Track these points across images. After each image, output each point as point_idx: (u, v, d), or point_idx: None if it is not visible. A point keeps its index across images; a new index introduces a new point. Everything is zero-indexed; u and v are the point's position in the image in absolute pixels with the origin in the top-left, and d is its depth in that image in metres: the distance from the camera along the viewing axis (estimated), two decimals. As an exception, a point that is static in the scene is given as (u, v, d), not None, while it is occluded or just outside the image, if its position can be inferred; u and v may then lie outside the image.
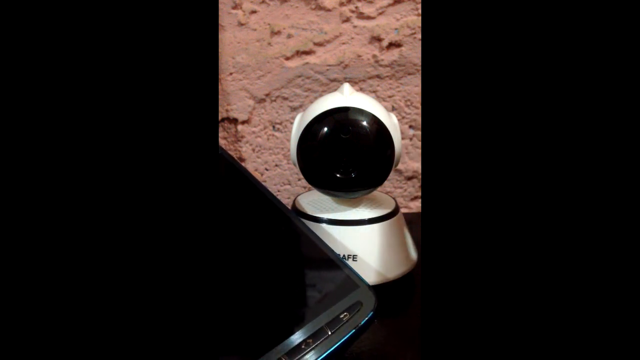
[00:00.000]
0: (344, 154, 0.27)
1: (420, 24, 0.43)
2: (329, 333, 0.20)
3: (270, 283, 0.22)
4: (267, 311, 0.21)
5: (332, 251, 0.24)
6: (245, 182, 0.27)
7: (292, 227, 0.26)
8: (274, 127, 0.47)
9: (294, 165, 0.30)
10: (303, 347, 0.19)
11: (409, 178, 0.48)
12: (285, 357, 0.19)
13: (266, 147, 0.47)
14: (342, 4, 0.43)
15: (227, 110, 0.46)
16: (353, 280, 0.22)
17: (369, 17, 0.43)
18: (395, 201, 0.32)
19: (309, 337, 0.20)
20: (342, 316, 0.20)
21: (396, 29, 0.44)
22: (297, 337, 0.20)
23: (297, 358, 0.19)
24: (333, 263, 0.23)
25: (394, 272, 0.29)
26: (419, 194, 0.48)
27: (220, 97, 0.45)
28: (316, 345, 0.19)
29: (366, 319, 0.21)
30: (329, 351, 0.19)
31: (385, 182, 0.30)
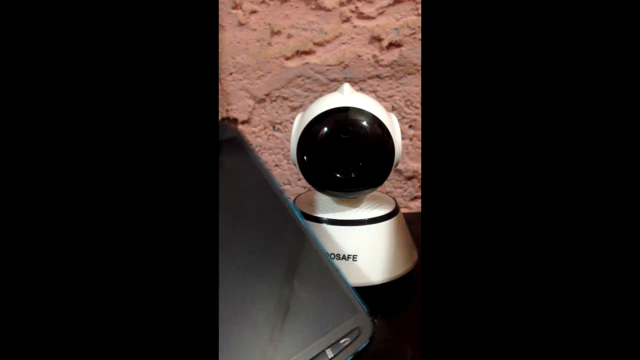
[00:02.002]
0: (344, 154, 0.27)
1: (420, 24, 0.43)
2: (330, 357, 0.20)
3: (274, 300, 0.22)
4: (268, 329, 0.21)
5: (337, 271, 0.24)
6: (259, 180, 0.27)
7: (301, 240, 0.25)
8: (274, 127, 0.47)
9: (294, 165, 0.30)
10: None
11: (409, 178, 0.48)
12: None
13: (266, 147, 0.47)
14: (342, 4, 0.43)
15: (227, 110, 0.46)
16: (353, 305, 0.22)
17: (369, 17, 0.43)
18: (395, 201, 0.32)
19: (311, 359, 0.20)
20: (342, 341, 0.21)
21: (396, 29, 0.44)
22: (299, 358, 0.19)
23: None
24: (337, 285, 0.23)
25: (394, 272, 0.29)
26: (419, 194, 0.48)
27: (220, 97, 0.45)
28: None
29: (363, 346, 0.21)
30: None
31: (385, 182, 0.30)
